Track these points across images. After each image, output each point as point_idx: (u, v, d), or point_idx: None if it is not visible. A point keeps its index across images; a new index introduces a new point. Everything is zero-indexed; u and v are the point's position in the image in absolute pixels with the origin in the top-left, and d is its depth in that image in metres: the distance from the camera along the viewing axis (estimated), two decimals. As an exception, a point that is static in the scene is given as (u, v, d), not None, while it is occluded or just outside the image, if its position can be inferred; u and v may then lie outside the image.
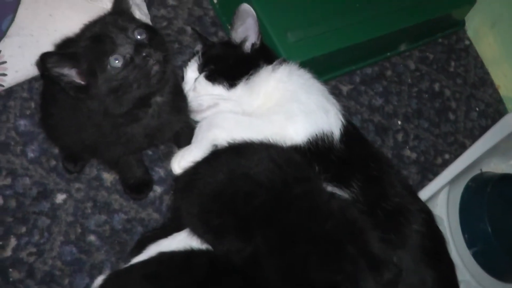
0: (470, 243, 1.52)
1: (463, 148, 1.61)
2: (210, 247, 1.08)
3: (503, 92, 1.93)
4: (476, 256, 1.51)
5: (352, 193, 1.14)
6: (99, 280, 1.10)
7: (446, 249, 1.23)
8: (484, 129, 1.66)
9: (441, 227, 1.29)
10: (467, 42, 1.94)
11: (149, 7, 1.46)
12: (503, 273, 1.53)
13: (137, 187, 1.25)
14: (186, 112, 1.21)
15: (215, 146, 1.15)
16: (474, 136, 1.75)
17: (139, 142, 1.13)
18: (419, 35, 1.78)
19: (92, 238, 1.21)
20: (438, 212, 1.48)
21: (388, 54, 1.72)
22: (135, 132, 1.09)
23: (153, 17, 1.46)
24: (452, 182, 1.53)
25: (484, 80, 1.91)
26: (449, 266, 1.22)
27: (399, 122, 1.67)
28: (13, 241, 1.17)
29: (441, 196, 1.51)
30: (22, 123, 1.26)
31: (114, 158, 1.19)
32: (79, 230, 1.21)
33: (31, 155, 1.23)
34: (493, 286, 1.51)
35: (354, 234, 1.04)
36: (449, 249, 1.28)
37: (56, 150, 1.25)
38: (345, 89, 1.63)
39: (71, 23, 1.08)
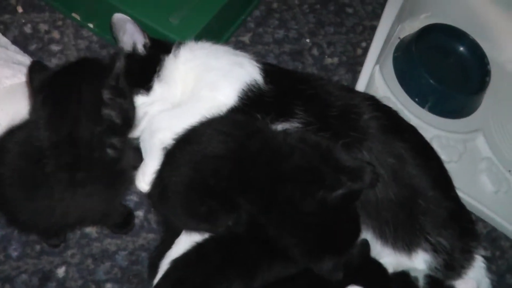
0: (422, 102, 1.60)
1: (374, 30, 1.65)
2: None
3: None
4: (433, 109, 1.59)
5: (299, 119, 1.20)
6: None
7: (402, 119, 1.30)
8: (383, 5, 1.70)
9: (390, 105, 1.36)
10: None
11: (40, 62, 1.47)
12: (460, 110, 1.63)
13: (121, 223, 1.28)
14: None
15: (165, 148, 1.19)
16: (378, 15, 1.79)
17: None
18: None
19: (108, 286, 1.23)
20: (382, 93, 1.55)
21: (265, -11, 1.77)
22: None
23: (49, 71, 1.47)
24: (380, 61, 1.60)
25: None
26: (413, 131, 1.29)
27: (308, 40, 1.73)
28: (40, 331, 1.19)
29: (376, 78, 1.58)
30: (-8, 232, 1.26)
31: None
32: (93, 286, 1.23)
33: (15, 254, 1.24)
34: (458, 126, 1.60)
35: (323, 155, 1.10)
36: (406, 118, 1.36)
37: (35, 236, 1.25)
38: (246, 39, 1.68)
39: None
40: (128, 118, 1.05)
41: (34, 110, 1.05)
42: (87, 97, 0.98)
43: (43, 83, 1.03)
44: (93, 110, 0.98)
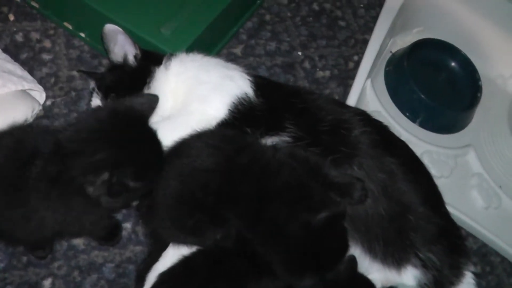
0: (413, 117, 1.61)
1: (366, 44, 1.66)
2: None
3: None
4: (423, 124, 1.60)
5: (289, 133, 1.19)
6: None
7: (392, 134, 1.30)
8: (376, 19, 1.72)
9: (381, 119, 1.36)
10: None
11: (31, 72, 1.46)
12: (451, 125, 1.64)
13: (109, 235, 1.27)
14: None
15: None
16: (370, 28, 1.79)
17: None
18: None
19: (94, 299, 1.23)
20: (373, 108, 1.55)
21: (258, 1, 1.77)
22: None
23: (40, 80, 1.47)
24: (372, 75, 1.61)
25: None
26: (404, 146, 1.29)
27: (300, 53, 1.73)
28: None
29: (368, 93, 1.57)
30: (-23, 245, 1.25)
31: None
32: (80, 300, 1.22)
33: (1, 265, 1.22)
34: (449, 142, 1.60)
35: (312, 172, 1.10)
36: (397, 132, 1.35)
37: (22, 248, 1.24)
38: (238, 50, 1.68)
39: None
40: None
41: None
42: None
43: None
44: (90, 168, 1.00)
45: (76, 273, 1.24)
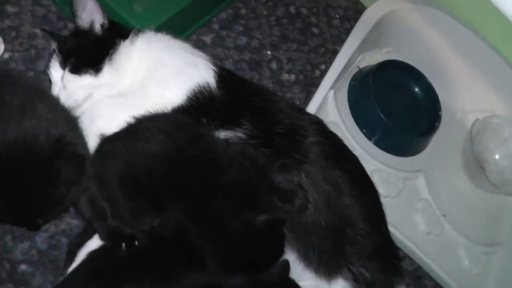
0: (369, 135, 1.61)
1: (335, 54, 1.66)
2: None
3: (357, -8, 2.00)
4: (378, 143, 1.60)
5: (245, 130, 1.18)
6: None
7: (345, 148, 1.30)
8: (349, 31, 1.72)
9: (338, 132, 1.36)
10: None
11: (-8, 22, 1.42)
12: (405, 149, 1.65)
13: None
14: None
15: (103, 135, 1.15)
16: (342, 40, 1.80)
17: None
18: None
19: (23, 267, 1.18)
20: (332, 119, 1.55)
21: (237, -8, 1.75)
22: None
23: (0, 31, 1.42)
24: (336, 87, 1.61)
25: (336, -12, 1.98)
26: (355, 161, 1.30)
27: (269, 52, 1.73)
28: None
29: (329, 103, 1.58)
30: None
31: None
32: (8, 266, 1.18)
33: None
34: (401, 164, 1.61)
35: (259, 173, 1.09)
36: (351, 147, 1.36)
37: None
38: (207, 39, 1.66)
39: None
40: None
41: None
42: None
43: None
44: None
45: (8, 237, 1.20)
